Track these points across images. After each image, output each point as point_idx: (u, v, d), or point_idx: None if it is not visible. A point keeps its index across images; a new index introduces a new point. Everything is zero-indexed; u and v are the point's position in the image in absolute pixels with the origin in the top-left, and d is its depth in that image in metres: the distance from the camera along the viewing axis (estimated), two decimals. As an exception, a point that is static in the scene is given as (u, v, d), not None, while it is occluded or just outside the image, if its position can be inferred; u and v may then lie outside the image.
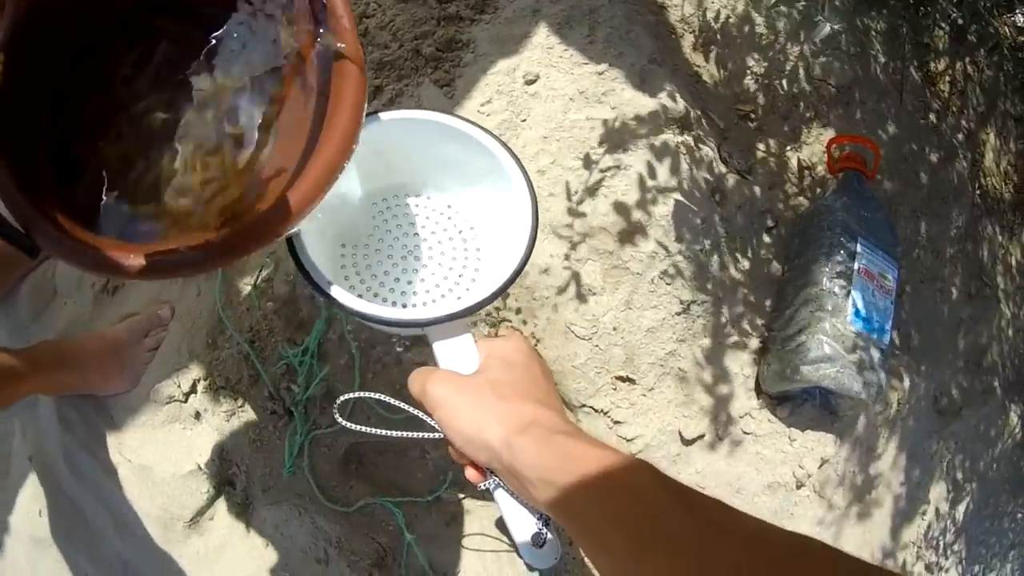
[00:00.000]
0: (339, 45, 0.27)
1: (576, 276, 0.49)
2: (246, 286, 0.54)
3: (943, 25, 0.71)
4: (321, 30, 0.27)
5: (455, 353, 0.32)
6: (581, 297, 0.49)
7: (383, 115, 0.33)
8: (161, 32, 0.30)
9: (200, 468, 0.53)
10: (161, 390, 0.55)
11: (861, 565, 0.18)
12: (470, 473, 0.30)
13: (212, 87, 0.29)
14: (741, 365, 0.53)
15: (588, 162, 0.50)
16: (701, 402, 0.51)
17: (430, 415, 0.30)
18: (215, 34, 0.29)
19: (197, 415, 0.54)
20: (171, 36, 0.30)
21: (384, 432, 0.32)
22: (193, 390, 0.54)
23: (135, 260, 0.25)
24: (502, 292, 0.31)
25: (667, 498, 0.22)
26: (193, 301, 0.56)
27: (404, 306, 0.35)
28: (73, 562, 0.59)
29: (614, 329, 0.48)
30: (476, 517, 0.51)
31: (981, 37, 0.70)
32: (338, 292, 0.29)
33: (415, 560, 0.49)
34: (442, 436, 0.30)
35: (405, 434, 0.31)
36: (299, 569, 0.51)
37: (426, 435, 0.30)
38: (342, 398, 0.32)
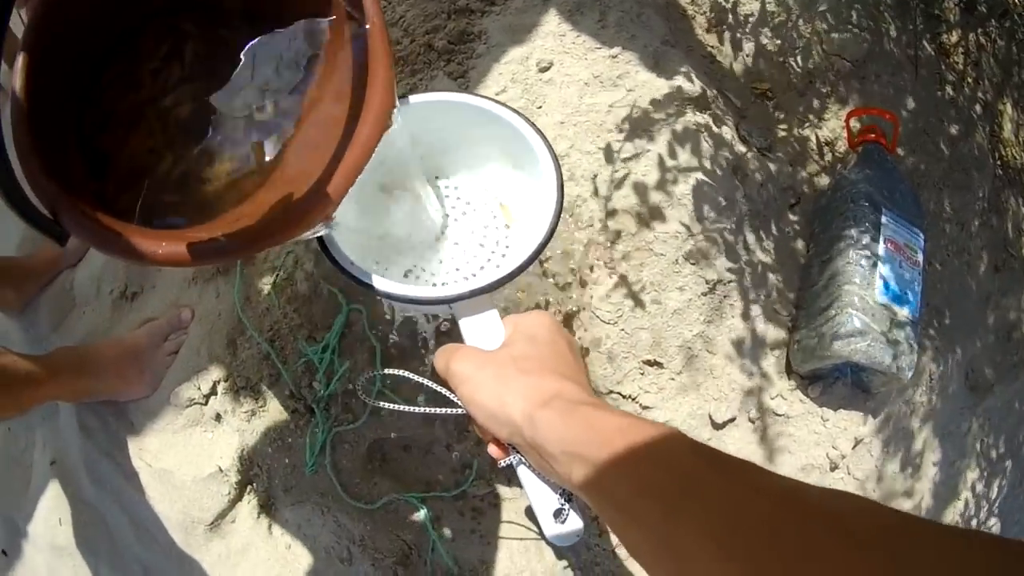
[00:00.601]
0: (366, 26, 0.27)
1: (600, 260, 0.48)
2: (265, 286, 0.54)
3: (954, -4, 0.70)
4: (349, 13, 0.27)
5: (481, 329, 0.31)
6: (605, 281, 0.48)
7: (412, 98, 0.33)
8: (189, 29, 0.30)
9: (221, 470, 0.53)
10: (181, 393, 0.54)
11: (899, 516, 0.17)
12: (492, 450, 0.30)
13: (242, 79, 0.29)
14: (770, 345, 0.52)
15: (609, 153, 0.50)
16: (731, 384, 0.50)
17: (454, 392, 0.30)
18: (244, 29, 0.29)
19: (217, 417, 0.54)
20: (200, 32, 0.30)
21: (408, 408, 0.31)
22: (213, 392, 0.54)
23: (167, 247, 0.24)
24: (527, 267, 0.31)
25: (698, 462, 0.21)
26: (212, 303, 0.56)
27: (433, 285, 0.35)
28: (93, 568, 0.59)
29: (639, 312, 0.47)
30: (503, 510, 0.50)
31: (991, 7, 0.69)
32: (368, 275, 0.30)
33: (440, 557, 0.48)
34: (465, 412, 0.29)
35: (429, 409, 0.31)
36: (322, 569, 0.50)
37: (449, 411, 0.30)
38: (365, 375, 0.32)
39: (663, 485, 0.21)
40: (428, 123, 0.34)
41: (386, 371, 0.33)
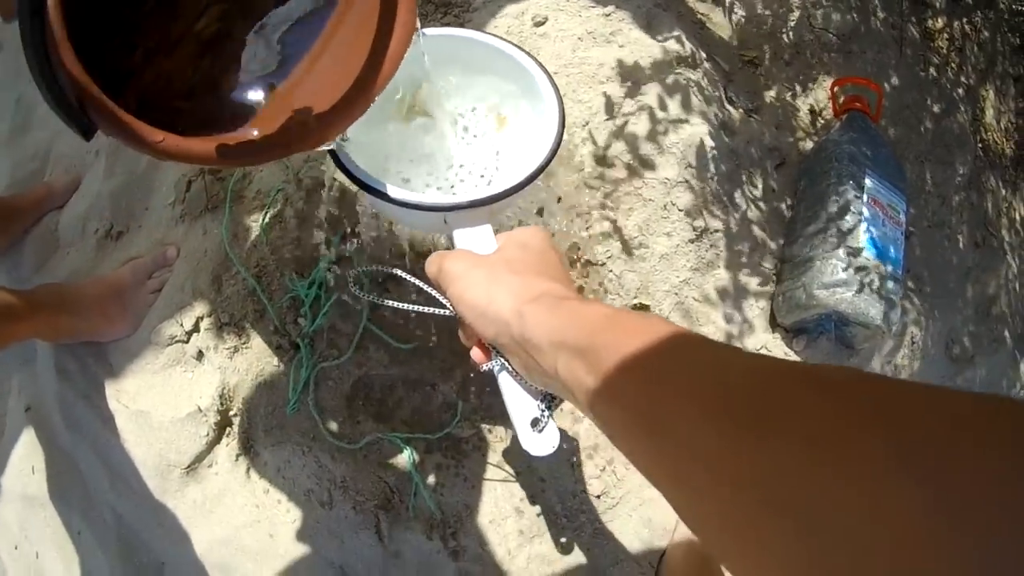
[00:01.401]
0: None
1: (590, 204, 0.49)
2: (253, 223, 0.53)
3: (939, -17, 0.73)
4: None
5: (474, 241, 0.32)
6: (595, 225, 0.48)
7: (427, 31, 0.35)
8: None
9: (200, 410, 0.52)
10: (163, 330, 0.53)
11: (886, 379, 0.16)
12: (475, 353, 0.30)
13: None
14: (755, 296, 0.52)
15: (603, 102, 0.51)
16: (717, 332, 0.50)
17: (443, 293, 0.30)
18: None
19: (199, 355, 0.53)
20: None
21: (398, 304, 0.32)
22: (196, 328, 0.53)
23: (199, 144, 0.25)
24: (522, 187, 0.32)
25: (680, 339, 0.20)
26: (199, 241, 0.55)
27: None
28: (65, 519, 0.57)
29: (628, 255, 0.48)
30: (488, 453, 0.49)
31: (977, 0, 0.72)
32: (376, 181, 0.31)
33: (423, 501, 0.47)
34: (453, 313, 0.30)
35: (417, 307, 0.31)
36: (302, 514, 0.49)
37: (438, 311, 0.30)
38: (358, 269, 0.32)
39: (645, 358, 0.20)
40: (439, 54, 0.36)
41: (379, 267, 0.33)
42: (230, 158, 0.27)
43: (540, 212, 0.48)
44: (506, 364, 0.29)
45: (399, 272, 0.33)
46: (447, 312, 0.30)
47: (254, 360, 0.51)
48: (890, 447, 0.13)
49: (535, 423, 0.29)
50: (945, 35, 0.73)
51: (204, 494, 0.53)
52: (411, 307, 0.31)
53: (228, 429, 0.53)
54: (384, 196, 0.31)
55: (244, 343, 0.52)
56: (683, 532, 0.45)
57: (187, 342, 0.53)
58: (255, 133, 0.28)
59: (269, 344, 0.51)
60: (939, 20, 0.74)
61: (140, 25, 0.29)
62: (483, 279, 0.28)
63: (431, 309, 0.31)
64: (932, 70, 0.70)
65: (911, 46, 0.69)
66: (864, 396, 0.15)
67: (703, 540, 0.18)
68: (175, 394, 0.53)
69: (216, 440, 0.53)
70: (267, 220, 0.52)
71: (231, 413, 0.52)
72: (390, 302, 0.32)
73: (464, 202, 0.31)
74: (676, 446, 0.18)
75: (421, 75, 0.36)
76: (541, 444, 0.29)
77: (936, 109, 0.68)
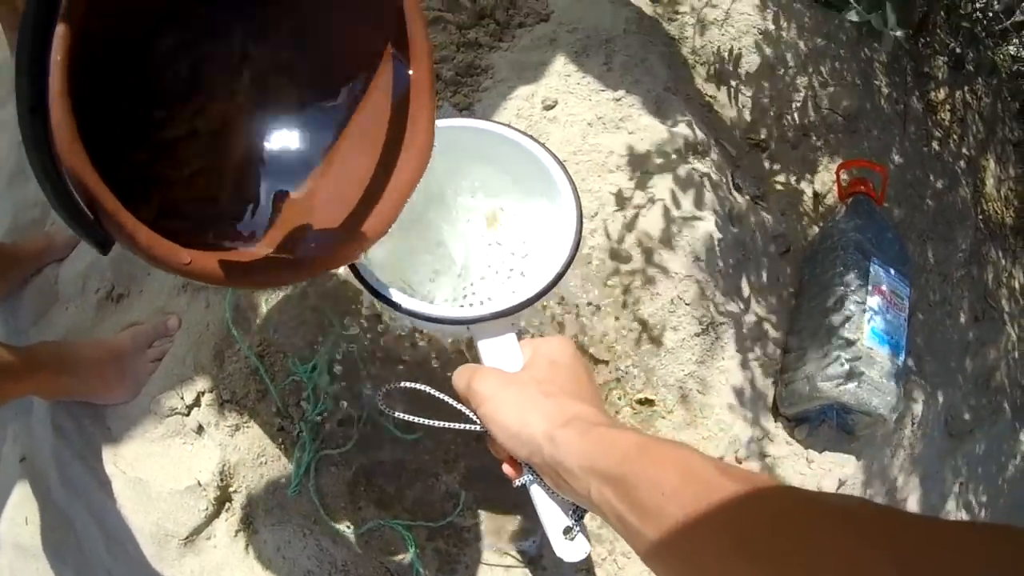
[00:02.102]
0: (410, 71, 0.27)
1: (597, 298, 0.49)
2: (257, 301, 0.53)
3: (942, 55, 0.74)
4: (395, 54, 0.27)
5: (499, 352, 0.32)
6: (600, 319, 0.48)
7: (439, 123, 0.34)
8: (249, 49, 0.30)
9: (200, 484, 0.51)
10: (162, 402, 0.53)
11: (907, 515, 0.17)
12: (507, 469, 0.30)
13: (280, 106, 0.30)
14: (759, 387, 0.52)
15: (612, 193, 0.51)
16: (720, 424, 0.50)
17: (474, 411, 0.30)
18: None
19: (199, 429, 0.53)
20: (258, 52, 0.30)
21: (428, 421, 0.32)
22: (197, 403, 0.53)
23: (201, 261, 0.24)
24: (545, 293, 0.32)
25: (714, 470, 0.21)
26: (201, 313, 0.55)
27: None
28: (58, 573, 0.56)
29: (634, 350, 0.48)
30: (489, 542, 0.49)
31: (979, 65, 0.73)
32: (393, 293, 0.31)
33: (424, 587, 0.47)
34: (483, 429, 0.30)
35: (448, 424, 0.31)
36: (301, 595, 0.49)
37: (468, 427, 0.31)
38: (387, 387, 0.32)
39: (679, 487, 0.21)
40: (450, 147, 0.35)
41: (408, 384, 0.33)
42: (264, 277, 0.26)
43: (561, 300, 0.48)
44: (538, 479, 0.29)
45: (428, 389, 0.32)
46: (477, 428, 0.30)
47: (255, 440, 0.51)
48: (899, 568, 0.14)
49: (567, 531, 0.30)
50: (947, 106, 0.74)
51: (202, 566, 0.52)
52: (442, 424, 0.31)
53: (228, 504, 0.52)
54: (406, 311, 0.31)
55: (245, 422, 0.51)
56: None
57: (187, 415, 0.53)
58: (267, 250, 0.28)
59: (271, 425, 0.50)
60: (941, 91, 0.75)
61: (161, 116, 0.28)
62: (514, 401, 0.28)
63: (462, 425, 0.31)
64: (935, 144, 0.71)
65: (914, 121, 0.70)
66: (878, 529, 0.16)
67: None
68: (174, 465, 0.53)
69: (215, 514, 0.52)
70: (272, 299, 0.52)
71: (231, 489, 0.52)
72: (420, 419, 0.32)
73: (487, 314, 0.31)
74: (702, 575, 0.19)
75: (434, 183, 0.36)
76: (573, 551, 0.30)
77: (939, 185, 0.69)
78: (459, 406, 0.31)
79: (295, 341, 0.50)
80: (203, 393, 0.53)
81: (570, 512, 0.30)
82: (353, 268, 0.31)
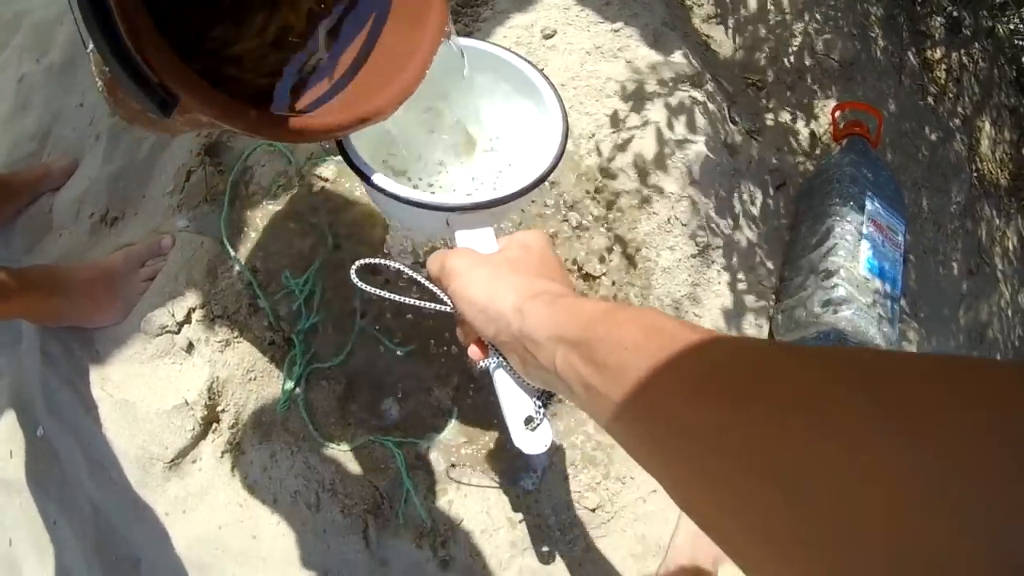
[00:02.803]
0: None
1: (594, 215, 0.49)
2: (252, 217, 0.53)
3: (939, 16, 0.75)
4: None
5: (476, 242, 0.32)
6: (598, 236, 0.48)
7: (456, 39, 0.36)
8: None
9: (187, 403, 0.50)
10: (153, 319, 0.52)
11: (879, 353, 0.17)
12: (472, 351, 0.30)
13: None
14: (754, 314, 0.52)
15: (609, 117, 0.51)
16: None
17: (444, 290, 0.30)
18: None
19: (189, 347, 0.52)
20: None
21: (396, 297, 0.31)
22: (187, 319, 0.52)
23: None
24: (526, 192, 0.32)
25: (677, 326, 0.20)
26: (195, 232, 0.54)
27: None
28: (41, 506, 0.55)
29: (631, 268, 0.48)
30: (481, 461, 0.49)
31: (975, 32, 0.74)
32: (378, 177, 0.31)
33: (414, 508, 0.46)
34: (453, 310, 0.30)
35: (417, 301, 0.31)
36: (287, 515, 0.48)
37: (437, 306, 0.31)
38: (360, 261, 0.32)
39: (641, 342, 0.20)
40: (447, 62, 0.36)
41: (381, 261, 0.33)
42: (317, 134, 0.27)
43: (541, 216, 0.48)
44: (503, 362, 0.29)
45: (401, 266, 0.32)
46: (447, 308, 0.30)
47: (246, 355, 0.50)
48: (874, 405, 0.13)
49: (529, 421, 0.29)
50: (943, 65, 0.75)
51: (186, 490, 0.51)
52: (410, 300, 0.31)
53: (215, 425, 0.51)
54: (389, 193, 0.31)
55: (236, 337, 0.51)
56: (674, 557, 0.45)
57: (177, 333, 0.52)
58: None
59: (262, 339, 0.50)
60: (938, 51, 0.76)
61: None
62: (485, 277, 0.28)
63: (431, 304, 0.30)
64: (930, 99, 0.72)
65: (910, 75, 0.71)
66: (843, 361, 0.15)
67: (698, 523, 0.18)
68: (162, 385, 0.52)
69: (202, 435, 0.51)
70: (266, 214, 0.52)
71: (219, 408, 0.51)
72: (389, 295, 0.31)
73: (469, 203, 0.31)
74: (666, 424, 0.18)
75: (449, 85, 0.37)
76: (534, 442, 0.29)
77: (933, 137, 0.70)
78: (431, 286, 0.31)
79: (288, 254, 0.50)
80: (194, 309, 0.52)
81: (534, 398, 0.29)
82: (341, 146, 0.31)
